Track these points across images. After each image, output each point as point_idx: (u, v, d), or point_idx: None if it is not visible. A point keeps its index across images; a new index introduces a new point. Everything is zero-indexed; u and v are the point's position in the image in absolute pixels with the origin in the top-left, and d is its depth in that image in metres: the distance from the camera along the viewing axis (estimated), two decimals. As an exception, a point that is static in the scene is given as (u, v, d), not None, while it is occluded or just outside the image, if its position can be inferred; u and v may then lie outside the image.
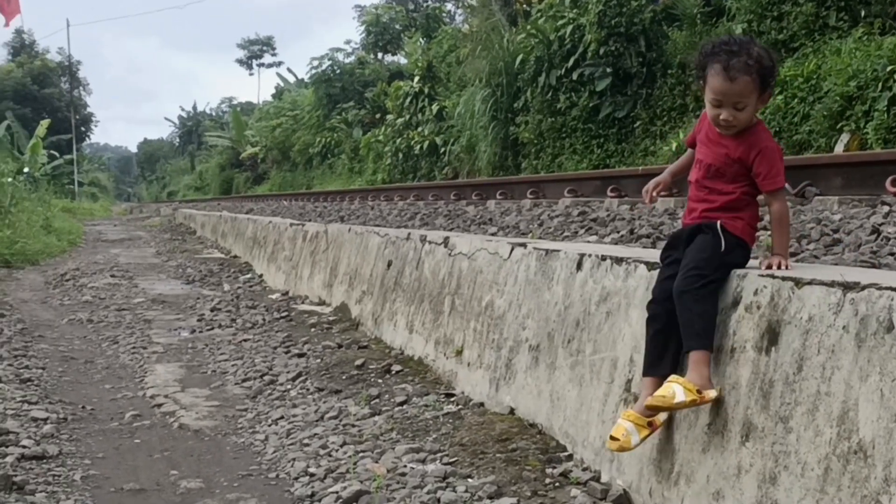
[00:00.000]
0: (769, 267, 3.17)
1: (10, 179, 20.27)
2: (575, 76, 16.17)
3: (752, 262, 3.39)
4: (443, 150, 23.92)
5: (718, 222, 3.31)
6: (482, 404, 5.27)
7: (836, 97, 9.97)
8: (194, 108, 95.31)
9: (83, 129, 69.18)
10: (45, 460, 4.72)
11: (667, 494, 3.36)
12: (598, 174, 11.84)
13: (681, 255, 3.36)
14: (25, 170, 33.54)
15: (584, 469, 4.02)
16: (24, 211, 19.60)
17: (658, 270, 3.52)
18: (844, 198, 6.28)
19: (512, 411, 4.92)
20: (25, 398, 5.96)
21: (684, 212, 3.62)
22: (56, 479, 4.47)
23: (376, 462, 4.43)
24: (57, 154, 50.49)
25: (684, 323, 3.20)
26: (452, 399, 5.52)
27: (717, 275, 3.25)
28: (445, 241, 6.55)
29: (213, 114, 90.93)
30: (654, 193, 3.69)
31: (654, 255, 4.15)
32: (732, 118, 3.26)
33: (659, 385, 3.23)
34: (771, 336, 2.93)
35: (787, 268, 3.17)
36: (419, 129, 25.85)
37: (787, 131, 10.87)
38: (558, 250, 4.79)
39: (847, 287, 2.68)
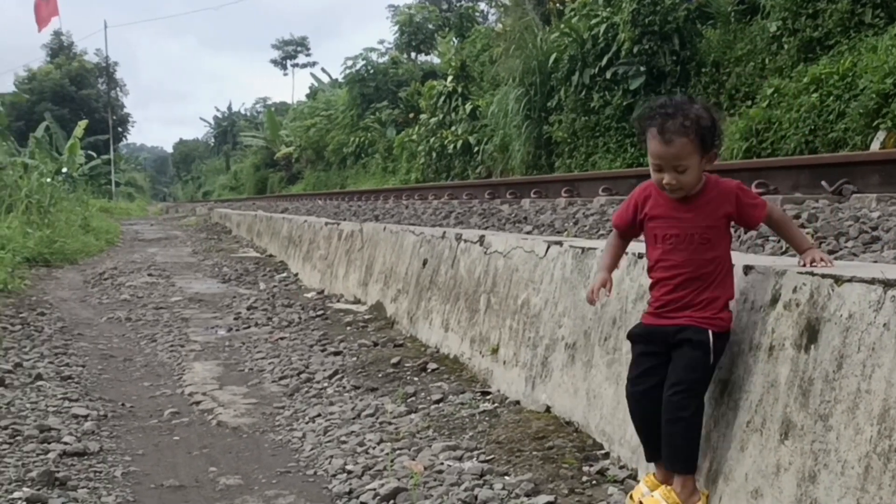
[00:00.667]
0: (812, 263, 3.13)
1: (48, 179, 20.52)
2: (608, 75, 16.12)
3: (789, 262, 3.37)
4: (476, 149, 23.91)
5: (709, 332, 3.18)
6: (518, 402, 5.28)
7: (871, 94, 9.87)
8: (229, 108, 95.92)
9: (120, 129, 69.91)
10: (86, 457, 4.78)
11: (705, 493, 3.35)
12: (632, 172, 11.79)
13: (661, 352, 3.28)
14: (64, 170, 33.92)
15: (621, 467, 4.02)
16: (62, 210, 19.83)
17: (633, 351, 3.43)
18: (882, 195, 6.22)
19: (548, 409, 4.93)
20: (66, 395, 6.04)
21: (652, 299, 3.36)
22: (97, 475, 4.53)
23: (413, 459, 4.46)
24: (94, 154, 50.99)
25: (673, 447, 3.23)
26: (488, 397, 5.53)
27: (706, 386, 3.27)
28: (481, 240, 6.56)
29: (248, 114, 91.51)
30: (599, 296, 3.48)
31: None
32: (675, 181, 3.18)
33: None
34: (810, 334, 2.92)
35: (828, 263, 3.14)
36: (452, 128, 25.87)
37: (822, 129, 10.78)
38: (594, 248, 4.79)
39: (888, 284, 2.67)
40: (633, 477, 3.87)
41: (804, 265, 3.14)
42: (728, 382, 3.30)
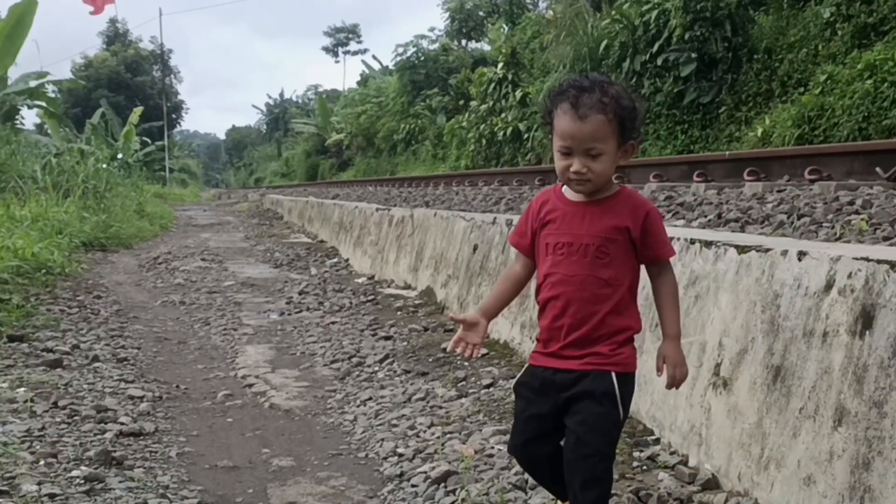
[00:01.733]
0: (663, 361, 2.86)
1: (104, 165, 20.81)
2: (659, 61, 16.02)
3: (844, 248, 3.33)
4: (526, 136, 23.86)
5: (612, 375, 2.72)
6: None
7: (928, 80, 9.72)
8: (281, 95, 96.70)
9: (174, 116, 70.69)
10: (142, 437, 4.86)
11: (756, 479, 3.34)
12: (683, 159, 11.72)
13: (554, 412, 2.77)
14: (119, 156, 34.40)
15: (672, 453, 4.01)
16: (118, 196, 20.10)
17: (523, 407, 2.92)
18: (941, 182, 6.14)
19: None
20: (122, 377, 6.14)
21: (540, 331, 2.87)
22: (153, 455, 4.61)
23: (464, 443, 4.49)
24: (149, 141, 51.60)
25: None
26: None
27: (617, 441, 2.82)
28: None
29: (300, 101, 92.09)
30: (474, 350, 2.92)
31: (744, 238, 4.13)
32: (586, 169, 2.66)
33: None
34: (865, 319, 2.90)
35: (680, 373, 2.85)
36: (503, 115, 25.81)
37: (876, 116, 10.63)
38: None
39: (945, 270, 2.64)
40: (684, 463, 3.87)
41: (661, 361, 2.85)
42: (781, 368, 3.29)
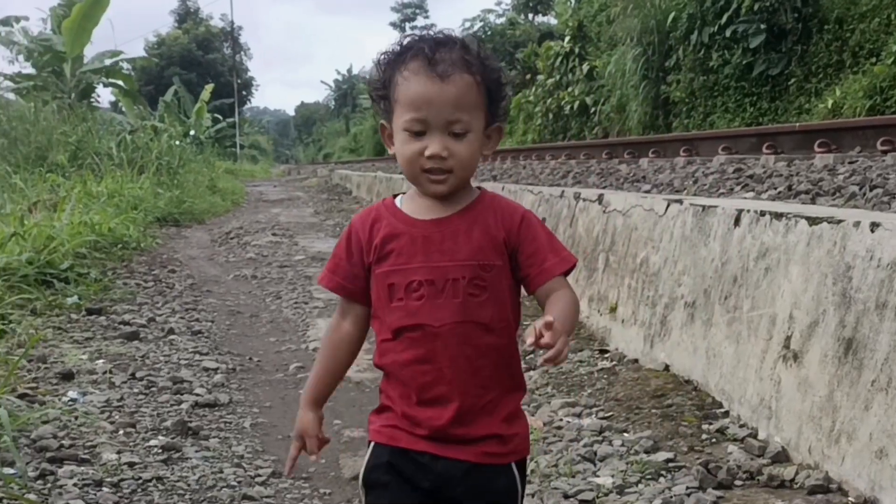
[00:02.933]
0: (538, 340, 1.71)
1: (177, 142, 21.15)
2: (728, 33, 15.77)
3: None
4: (593, 109, 23.70)
5: (513, 469, 1.96)
6: (636, 360, 5.28)
7: None
8: (349, 71, 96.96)
9: (244, 93, 71.50)
10: (216, 408, 4.97)
11: (827, 452, 3.33)
12: (752, 131, 11.56)
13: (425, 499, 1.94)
14: (191, 132, 34.89)
15: (741, 426, 4.00)
16: (190, 172, 20.42)
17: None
18: None
19: (667, 368, 4.92)
20: (197, 349, 6.28)
21: (390, 407, 1.99)
22: (227, 425, 4.71)
23: (533, 416, 4.52)
24: (220, 118, 52.24)
25: None
26: (606, 355, 5.55)
27: None
28: (600, 199, 6.54)
29: (368, 77, 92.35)
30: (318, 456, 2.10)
31: (815, 210, 4.08)
32: (447, 152, 1.87)
33: None
34: (939, 292, 2.86)
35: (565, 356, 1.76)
36: (569, 89, 25.66)
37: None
38: (715, 206, 4.74)
39: None
40: (754, 436, 3.86)
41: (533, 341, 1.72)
42: (852, 341, 3.26)
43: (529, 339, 1.72)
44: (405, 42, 1.94)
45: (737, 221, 4.41)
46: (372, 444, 1.99)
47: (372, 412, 2.03)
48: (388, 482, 1.94)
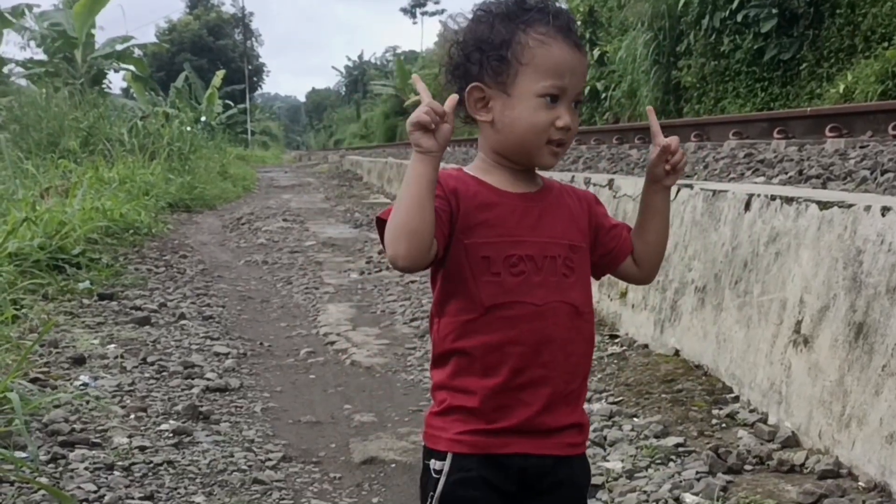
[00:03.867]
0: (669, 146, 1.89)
1: (189, 128, 21.15)
2: (739, 18, 15.67)
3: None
4: (604, 95, 23.62)
5: (586, 455, 1.90)
6: (646, 346, 5.28)
7: None
8: (360, 57, 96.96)
9: (255, 79, 71.56)
10: (227, 392, 5.00)
11: (837, 437, 3.32)
12: (763, 116, 11.51)
13: None
14: (202, 119, 34.88)
15: (751, 411, 4.00)
16: (202, 158, 20.44)
17: None
18: None
19: (677, 353, 4.92)
20: (208, 334, 6.30)
21: (470, 396, 1.77)
22: (238, 410, 4.73)
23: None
24: (231, 104, 52.26)
25: None
26: (616, 340, 5.54)
27: None
28: (610, 184, 6.53)
29: (378, 63, 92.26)
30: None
31: (826, 195, 4.06)
32: (573, 123, 1.79)
33: None
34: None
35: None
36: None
37: None
38: (726, 191, 4.73)
39: None
40: (764, 421, 3.85)
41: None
42: (863, 325, 3.25)
43: (665, 141, 1.87)
44: (525, 2, 1.78)
45: (747, 206, 4.39)
46: (450, 455, 1.77)
47: (434, 415, 1.82)
48: (478, 496, 1.76)
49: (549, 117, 1.75)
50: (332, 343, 6.26)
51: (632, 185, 6.13)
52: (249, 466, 3.88)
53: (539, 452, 1.77)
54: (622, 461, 3.65)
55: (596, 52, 24.81)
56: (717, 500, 3.18)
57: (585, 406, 2.08)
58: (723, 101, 16.32)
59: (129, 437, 4.01)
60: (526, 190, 1.83)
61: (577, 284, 1.81)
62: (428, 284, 6.85)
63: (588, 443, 1.91)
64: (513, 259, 1.76)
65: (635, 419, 4.13)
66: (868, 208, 3.39)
